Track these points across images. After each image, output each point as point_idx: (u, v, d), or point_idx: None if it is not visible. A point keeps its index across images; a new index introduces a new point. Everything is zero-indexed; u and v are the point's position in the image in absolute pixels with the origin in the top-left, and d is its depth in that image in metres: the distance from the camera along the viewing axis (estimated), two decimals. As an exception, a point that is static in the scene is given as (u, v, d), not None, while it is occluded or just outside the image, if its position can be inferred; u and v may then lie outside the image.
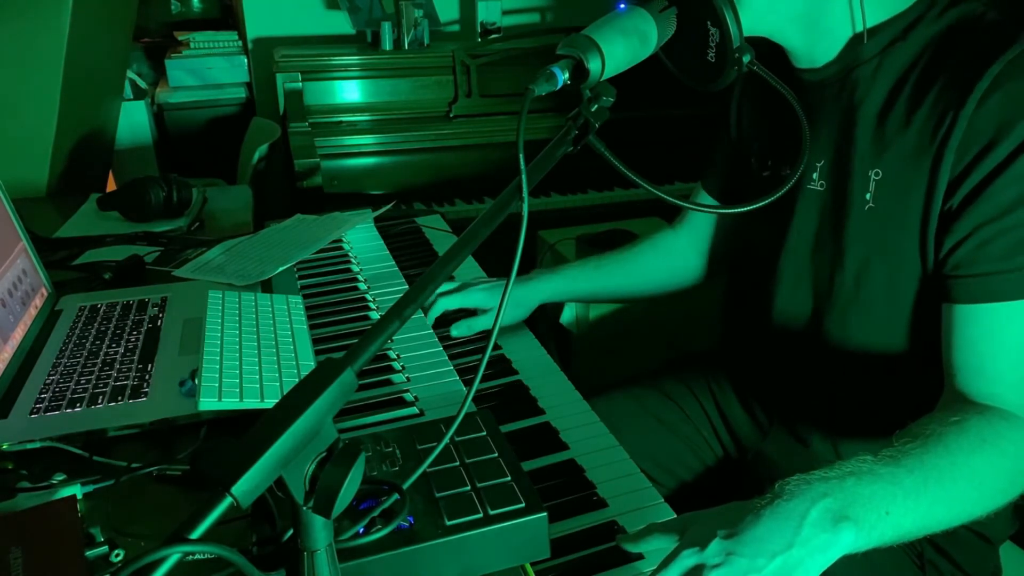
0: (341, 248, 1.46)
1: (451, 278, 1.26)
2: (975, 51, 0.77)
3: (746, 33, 0.83)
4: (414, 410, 0.95)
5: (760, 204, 0.73)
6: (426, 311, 1.16)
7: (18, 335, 1.03)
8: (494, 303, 1.17)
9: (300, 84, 2.39)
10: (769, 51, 0.89)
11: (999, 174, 0.74)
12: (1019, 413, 0.75)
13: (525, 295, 1.19)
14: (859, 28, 0.83)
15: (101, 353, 1.03)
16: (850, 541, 0.62)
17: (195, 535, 0.44)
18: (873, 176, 0.84)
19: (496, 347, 1.12)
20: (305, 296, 1.24)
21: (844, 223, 0.87)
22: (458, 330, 1.14)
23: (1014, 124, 0.73)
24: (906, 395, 0.87)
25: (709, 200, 1.17)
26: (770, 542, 0.61)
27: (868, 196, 0.84)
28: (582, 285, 1.22)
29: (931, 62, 0.81)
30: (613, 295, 1.26)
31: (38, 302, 1.14)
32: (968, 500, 0.69)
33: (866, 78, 0.85)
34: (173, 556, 0.43)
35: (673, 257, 1.22)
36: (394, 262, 1.40)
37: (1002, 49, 0.75)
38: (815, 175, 0.90)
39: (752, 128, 1.04)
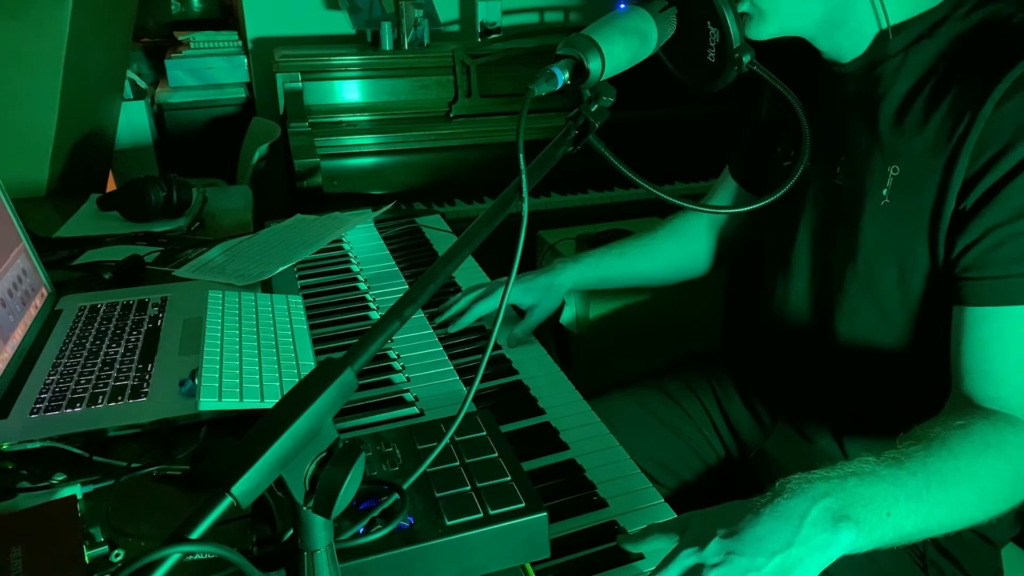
0: (341, 248, 1.46)
1: (451, 279, 1.26)
2: (998, 52, 0.77)
3: (774, 37, 0.83)
4: (414, 410, 0.95)
5: (764, 203, 0.73)
6: (450, 321, 1.16)
7: (18, 335, 1.03)
8: (529, 300, 1.17)
9: (300, 84, 2.39)
10: (801, 44, 0.89)
11: (1014, 177, 0.74)
12: (1023, 418, 0.75)
13: (554, 281, 1.19)
14: (884, 25, 0.83)
15: (101, 353, 1.03)
16: (850, 541, 0.62)
17: (195, 535, 0.44)
18: (891, 172, 0.84)
19: (496, 347, 1.12)
20: (305, 296, 1.24)
21: (859, 218, 0.87)
22: (514, 339, 1.14)
23: None
24: (913, 393, 0.87)
25: (732, 183, 1.16)
26: (769, 541, 0.61)
27: (885, 192, 0.84)
28: (605, 272, 1.22)
29: (954, 61, 0.80)
30: (634, 281, 1.27)
31: (38, 302, 1.14)
32: (970, 504, 0.69)
33: (889, 74, 0.84)
34: (173, 556, 0.43)
35: (693, 242, 1.22)
36: (394, 262, 1.40)
37: None
38: (839, 169, 0.90)
39: (779, 116, 1.04)
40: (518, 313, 1.20)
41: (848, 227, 0.88)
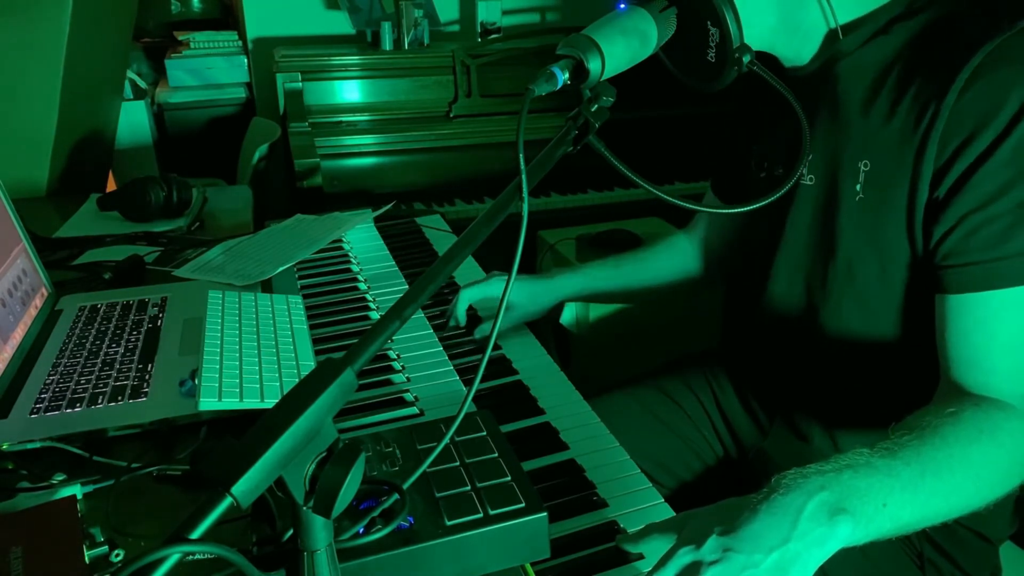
0: (341, 248, 1.46)
1: (451, 279, 1.26)
2: (957, 42, 0.78)
3: None
4: (414, 410, 0.95)
5: (758, 205, 0.73)
6: (449, 317, 1.17)
7: (18, 335, 1.03)
8: (519, 295, 1.17)
9: (300, 84, 2.39)
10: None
11: (982, 163, 0.74)
12: (1015, 403, 0.75)
13: (546, 290, 1.19)
14: (832, 24, 0.84)
15: (101, 353, 1.03)
16: (847, 534, 0.62)
17: (195, 535, 0.44)
18: (862, 167, 0.84)
19: (496, 347, 1.12)
20: (305, 296, 1.24)
21: (835, 215, 0.87)
22: (480, 332, 1.14)
23: (995, 113, 0.74)
24: (904, 385, 0.87)
25: (715, 201, 1.17)
26: (767, 537, 0.61)
27: (858, 187, 0.85)
28: (601, 284, 1.23)
29: (914, 54, 0.81)
30: (629, 294, 1.27)
31: (38, 302, 1.14)
32: (965, 492, 0.69)
33: (848, 71, 0.85)
34: (173, 556, 0.43)
35: (686, 258, 1.23)
36: (394, 262, 1.40)
37: (984, 40, 0.75)
38: (805, 170, 0.91)
39: (749, 130, 1.04)
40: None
41: (825, 225, 0.89)
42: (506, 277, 1.16)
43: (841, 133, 0.86)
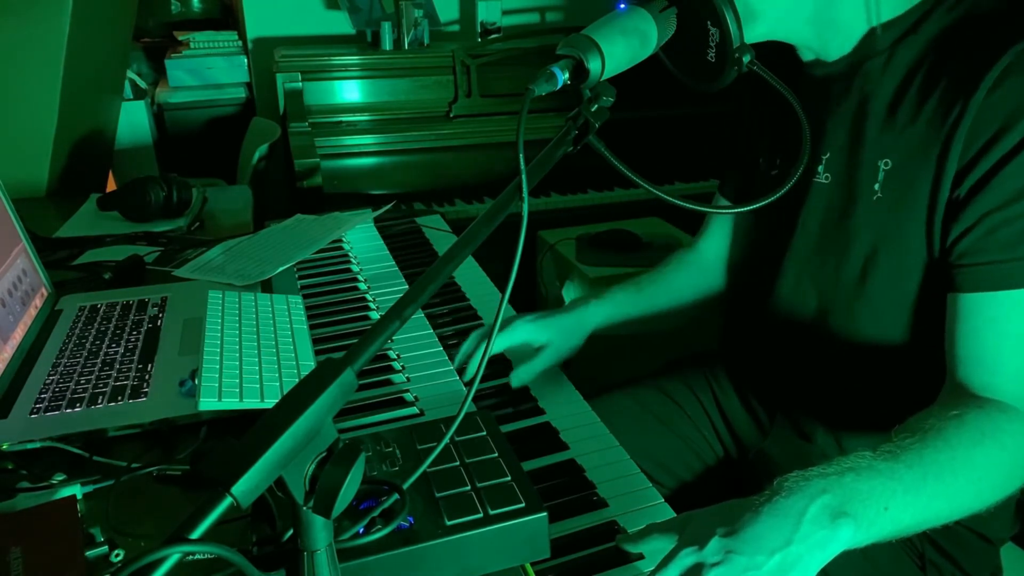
0: (341, 248, 1.46)
1: (451, 279, 1.26)
2: (986, 42, 0.77)
3: (763, 39, 0.83)
4: (414, 410, 0.95)
5: (760, 204, 0.73)
6: (465, 364, 1.05)
7: (18, 335, 1.03)
8: (541, 337, 1.06)
9: (300, 84, 2.39)
10: (775, 47, 0.89)
11: (1007, 163, 0.74)
12: (1017, 405, 0.75)
13: (578, 321, 1.12)
14: (874, 23, 0.84)
15: (101, 353, 1.03)
16: (849, 537, 0.62)
17: (195, 535, 0.44)
18: (883, 166, 0.84)
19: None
20: (305, 296, 1.24)
21: (851, 214, 0.87)
22: (517, 379, 1.01)
23: (1022, 113, 0.73)
24: (911, 387, 0.87)
25: (725, 204, 1.15)
26: (769, 539, 0.61)
27: (876, 186, 0.84)
28: (629, 309, 1.16)
29: (942, 53, 0.81)
30: (654, 316, 1.19)
31: (38, 302, 1.14)
32: (967, 494, 0.69)
33: (876, 70, 0.85)
34: (173, 556, 0.43)
35: (702, 272, 1.19)
36: (394, 262, 1.40)
37: (1012, 40, 0.75)
38: (821, 168, 0.90)
39: (761, 127, 1.04)
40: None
41: (839, 224, 0.89)
42: (527, 318, 1.11)
43: (862, 132, 0.86)
